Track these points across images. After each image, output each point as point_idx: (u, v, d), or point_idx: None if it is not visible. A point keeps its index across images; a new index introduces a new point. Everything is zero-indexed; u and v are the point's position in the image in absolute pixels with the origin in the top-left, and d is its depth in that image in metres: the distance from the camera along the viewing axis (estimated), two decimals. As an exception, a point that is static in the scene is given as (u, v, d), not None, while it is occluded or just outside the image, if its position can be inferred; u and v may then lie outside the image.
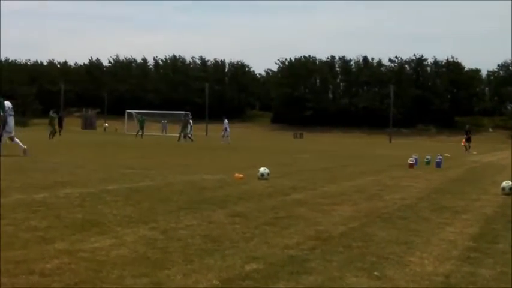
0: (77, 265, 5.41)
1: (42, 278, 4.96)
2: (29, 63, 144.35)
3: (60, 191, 10.77)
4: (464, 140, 48.69)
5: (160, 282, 4.97)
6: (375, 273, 5.54)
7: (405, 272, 5.66)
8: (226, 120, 49.25)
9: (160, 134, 72.20)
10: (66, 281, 4.91)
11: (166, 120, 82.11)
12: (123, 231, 7.15)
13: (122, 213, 8.45)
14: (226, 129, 49.16)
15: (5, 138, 21.99)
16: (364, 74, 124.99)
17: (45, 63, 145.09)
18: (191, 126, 51.38)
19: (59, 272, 5.17)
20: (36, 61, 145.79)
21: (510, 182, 13.13)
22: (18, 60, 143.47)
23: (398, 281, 5.33)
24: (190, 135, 49.80)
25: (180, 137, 48.82)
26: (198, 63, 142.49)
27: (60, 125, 56.20)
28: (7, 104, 22.19)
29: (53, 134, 43.67)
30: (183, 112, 61.97)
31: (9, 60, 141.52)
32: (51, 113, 46.43)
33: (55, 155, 22.86)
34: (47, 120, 48.16)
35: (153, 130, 72.73)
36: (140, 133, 58.41)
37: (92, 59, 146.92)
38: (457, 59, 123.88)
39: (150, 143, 42.79)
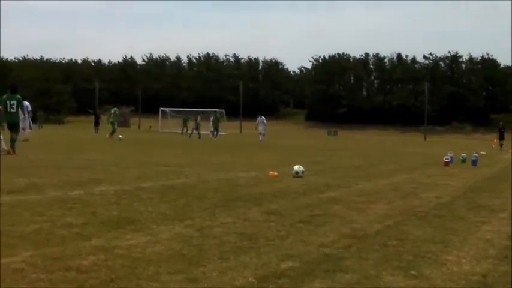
0: (113, 262, 5.44)
1: (78, 275, 5.00)
2: (63, 61, 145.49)
3: (95, 188, 10.85)
4: (496, 139, 47.95)
5: (196, 279, 4.99)
6: (412, 272, 5.50)
7: (442, 271, 5.61)
8: (263, 117, 47.68)
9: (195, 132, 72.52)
10: (102, 277, 4.95)
11: (200, 118, 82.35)
12: (159, 228, 7.18)
13: (157, 211, 8.49)
14: (263, 124, 46.99)
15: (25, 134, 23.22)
16: (399, 71, 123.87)
17: (79, 62, 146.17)
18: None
19: (95, 268, 5.21)
20: (71, 59, 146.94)
21: None
22: (53, 59, 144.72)
23: (435, 280, 5.28)
24: (199, 132, 51.89)
25: (200, 134, 49.85)
26: (231, 61, 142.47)
27: (97, 123, 57.01)
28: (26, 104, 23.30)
29: (112, 132, 40.40)
30: (216, 110, 62.67)
31: (44, 59, 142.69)
32: (113, 110, 43.71)
33: (89, 152, 23.05)
34: (81, 118, 47.99)
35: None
36: (189, 132, 58.79)
37: (126, 57, 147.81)
38: (492, 55, 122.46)
39: (184, 141, 42.93)
